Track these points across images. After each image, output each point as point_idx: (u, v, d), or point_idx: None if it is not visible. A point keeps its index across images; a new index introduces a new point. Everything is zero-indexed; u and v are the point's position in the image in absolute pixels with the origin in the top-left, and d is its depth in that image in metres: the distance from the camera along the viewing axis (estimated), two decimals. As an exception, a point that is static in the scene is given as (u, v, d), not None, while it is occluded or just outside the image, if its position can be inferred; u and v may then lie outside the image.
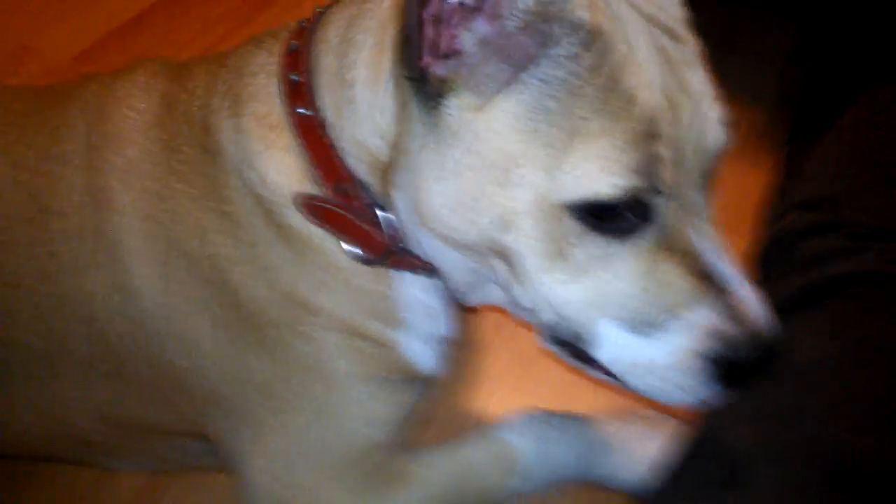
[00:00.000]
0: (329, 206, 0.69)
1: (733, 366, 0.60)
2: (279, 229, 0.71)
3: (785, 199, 1.04)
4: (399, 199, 0.67)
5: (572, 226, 0.58)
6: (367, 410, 0.75)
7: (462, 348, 1.03)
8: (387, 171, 0.67)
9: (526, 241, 0.60)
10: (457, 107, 0.59)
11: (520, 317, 0.70)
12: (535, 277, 0.61)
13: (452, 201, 0.61)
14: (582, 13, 0.56)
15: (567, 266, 0.60)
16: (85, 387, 0.77)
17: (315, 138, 0.69)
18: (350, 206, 0.69)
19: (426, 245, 0.69)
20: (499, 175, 0.59)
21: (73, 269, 0.73)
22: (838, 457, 0.65)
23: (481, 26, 0.57)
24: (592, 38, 0.56)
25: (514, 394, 0.99)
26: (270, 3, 1.60)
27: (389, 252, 0.71)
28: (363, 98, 0.66)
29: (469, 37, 0.57)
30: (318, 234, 0.71)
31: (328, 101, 0.68)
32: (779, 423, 0.69)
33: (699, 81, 0.62)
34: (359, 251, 0.71)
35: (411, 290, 0.76)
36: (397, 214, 0.69)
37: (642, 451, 0.83)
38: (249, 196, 0.71)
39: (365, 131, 0.67)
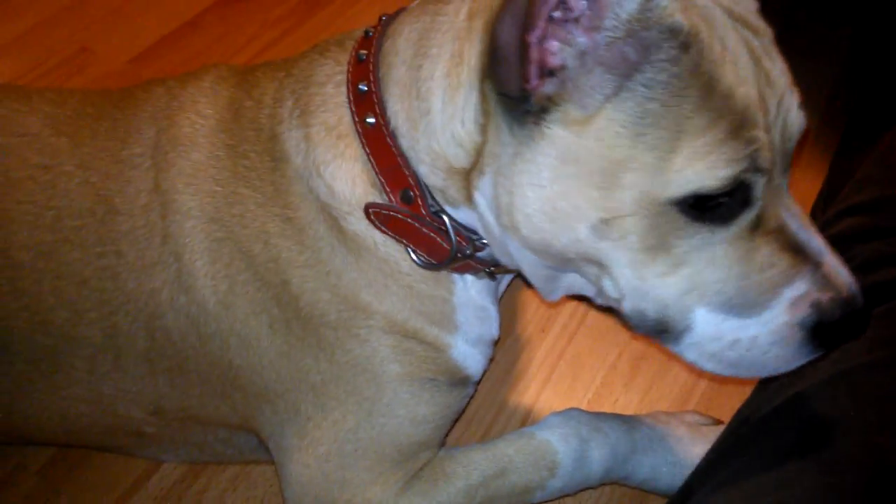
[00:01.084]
0: (396, 215, 0.70)
1: (829, 329, 0.63)
2: (343, 235, 0.73)
3: (834, 202, 1.02)
4: (483, 204, 0.68)
5: (677, 219, 0.60)
6: (414, 412, 0.77)
7: (500, 346, 1.03)
8: (467, 176, 0.68)
9: (626, 241, 0.62)
10: (558, 121, 0.60)
11: (605, 304, 0.71)
12: (630, 273, 0.64)
13: (550, 208, 0.63)
14: (678, 17, 0.57)
15: (668, 258, 0.62)
16: (144, 380, 0.80)
17: (383, 147, 0.70)
18: (416, 213, 0.71)
19: (512, 249, 0.71)
20: (602, 180, 0.60)
21: (140, 267, 0.76)
22: (878, 462, 0.64)
23: (584, 39, 0.58)
24: (690, 41, 0.57)
25: (550, 392, 0.99)
26: (324, 4, 1.61)
27: (454, 258, 0.72)
28: (439, 109, 0.67)
29: (572, 52, 0.58)
30: (381, 241, 0.73)
31: (399, 111, 0.70)
32: (817, 433, 0.69)
33: (779, 70, 0.64)
34: (424, 257, 0.73)
35: (470, 293, 0.78)
36: (480, 218, 0.71)
37: (685, 455, 0.83)
38: (315, 203, 0.73)
39: (442, 141, 0.68)
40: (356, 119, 0.71)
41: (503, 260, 0.75)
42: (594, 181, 0.60)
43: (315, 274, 0.73)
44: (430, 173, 0.70)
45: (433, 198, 0.71)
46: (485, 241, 0.74)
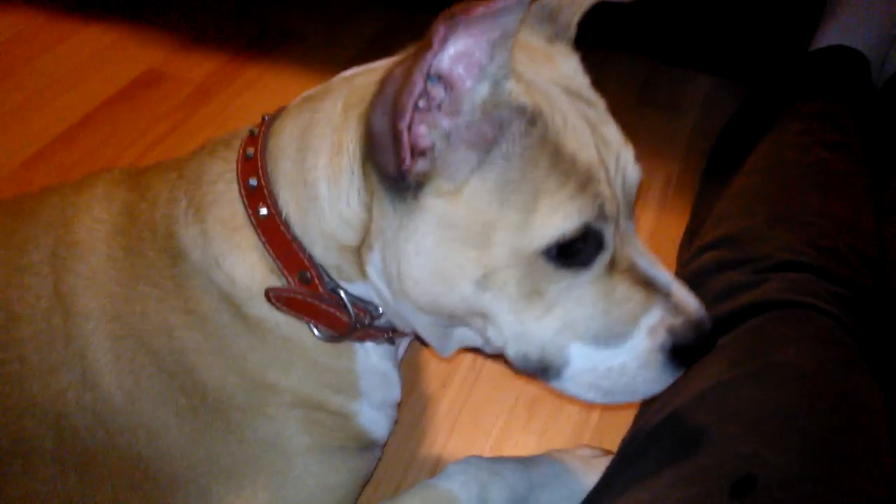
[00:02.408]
0: (295, 296, 0.75)
1: (684, 349, 0.72)
2: (246, 320, 0.76)
3: (696, 240, 1.11)
4: (375, 275, 0.74)
5: (546, 267, 0.67)
6: (325, 481, 0.80)
7: (404, 404, 1.08)
8: (358, 252, 0.74)
9: (505, 291, 0.69)
10: (433, 193, 0.67)
11: (492, 352, 0.78)
12: (512, 319, 0.70)
13: (435, 271, 0.69)
14: (523, 98, 0.65)
15: (542, 302, 0.69)
16: (52, 482, 0.80)
17: (277, 235, 0.75)
18: (314, 292, 0.76)
19: (406, 313, 0.76)
20: (478, 241, 0.67)
21: (44, 371, 0.77)
22: (741, 469, 0.71)
23: (446, 123, 0.65)
24: (535, 117, 0.65)
25: (455, 442, 1.04)
26: (209, 99, 1.67)
27: (354, 328, 0.78)
28: (326, 195, 0.72)
29: (438, 134, 0.65)
30: (283, 321, 0.77)
31: (289, 200, 0.74)
32: (687, 449, 0.75)
33: (613, 134, 0.73)
34: (326, 331, 0.78)
35: (371, 360, 0.83)
36: (374, 289, 0.76)
37: (580, 486, 0.89)
38: (216, 293, 0.76)
39: (332, 223, 0.73)
40: (249, 211, 0.75)
41: (399, 324, 0.81)
42: (471, 242, 0.67)
43: (221, 360, 0.77)
44: (324, 254, 0.75)
45: (329, 276, 0.77)
46: (381, 311, 0.79)
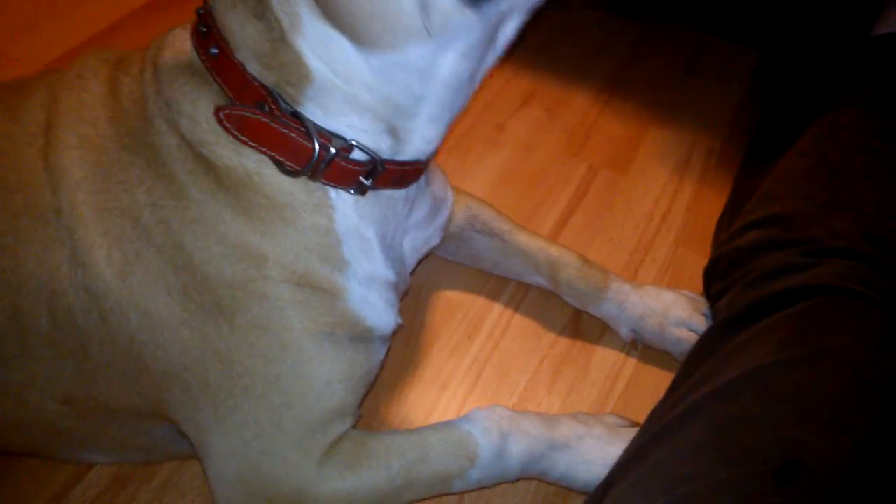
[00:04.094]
0: (249, 115, 0.70)
1: None
2: (218, 175, 0.72)
3: (739, 216, 1.08)
4: (317, 50, 0.68)
5: None
6: (322, 371, 0.77)
7: (428, 350, 1.06)
8: (285, 43, 0.68)
9: None
10: None
11: None
12: None
13: None
14: None
15: None
16: (51, 365, 0.78)
17: (230, 70, 0.70)
18: (272, 115, 0.70)
19: (375, 66, 0.68)
20: None
21: (36, 244, 0.74)
22: (787, 454, 0.69)
23: None
24: None
25: (478, 396, 1.02)
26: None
27: (319, 159, 0.71)
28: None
29: None
30: (251, 168, 0.72)
31: (231, 31, 0.70)
32: (731, 429, 0.73)
33: None
34: (290, 165, 0.72)
35: (350, 218, 0.77)
36: (330, 80, 0.69)
37: (602, 454, 0.87)
38: (188, 150, 0.73)
39: (250, 29, 0.69)
40: (202, 55, 0.72)
41: (384, 118, 0.73)
42: None
43: (203, 229, 0.73)
44: (263, 73, 0.70)
45: (285, 101, 0.71)
46: (353, 142, 0.73)
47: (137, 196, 0.73)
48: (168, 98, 0.73)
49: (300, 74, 0.69)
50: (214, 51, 0.70)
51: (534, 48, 1.62)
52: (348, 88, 0.70)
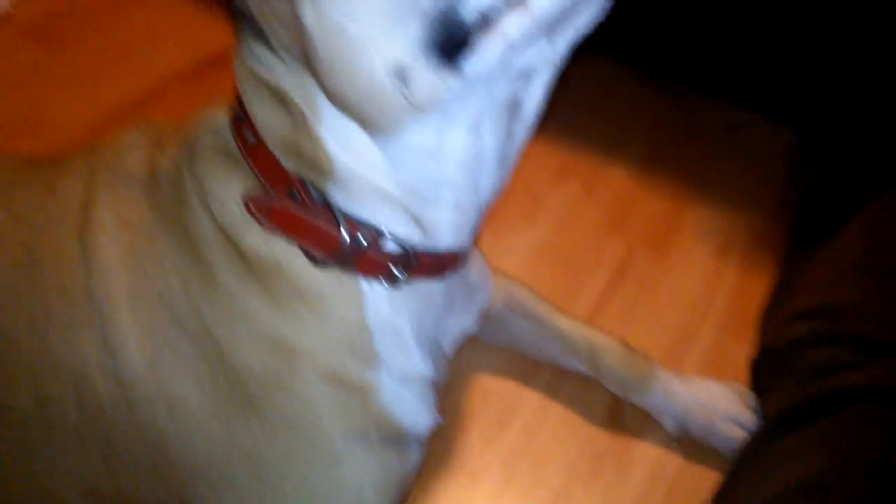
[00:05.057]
0: (277, 205, 0.68)
1: None
2: (248, 262, 0.70)
3: (786, 306, 1.05)
4: (339, 133, 0.64)
5: None
6: (354, 475, 0.73)
7: (457, 439, 1.02)
8: (305, 132, 0.66)
9: None
10: None
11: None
12: None
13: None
14: None
15: None
16: (75, 456, 0.75)
17: (259, 152, 0.69)
18: (302, 204, 0.68)
19: (388, 153, 0.65)
20: None
21: (66, 326, 0.73)
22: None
23: None
24: None
25: (512, 493, 0.98)
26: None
27: (348, 250, 0.68)
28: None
29: None
30: (279, 255, 0.69)
31: (259, 120, 0.68)
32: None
33: None
34: (319, 254, 0.69)
35: (382, 310, 0.73)
36: (351, 164, 0.66)
37: None
38: (220, 235, 0.71)
39: (272, 117, 0.67)
40: (238, 140, 0.70)
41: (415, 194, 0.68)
42: None
43: (233, 318, 0.70)
44: (291, 159, 0.68)
45: (314, 188, 0.68)
46: (383, 231, 0.69)
47: (170, 280, 0.72)
48: (202, 180, 0.72)
49: (323, 163, 0.66)
50: (248, 135, 0.69)
51: (569, 119, 1.60)
52: (370, 177, 0.66)
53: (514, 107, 0.65)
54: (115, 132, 0.84)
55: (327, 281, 0.71)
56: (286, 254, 0.70)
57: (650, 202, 1.45)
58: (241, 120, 0.70)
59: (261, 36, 0.63)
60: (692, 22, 1.57)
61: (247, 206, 0.68)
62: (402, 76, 0.57)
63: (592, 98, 1.67)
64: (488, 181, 0.69)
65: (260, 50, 0.64)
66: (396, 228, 0.70)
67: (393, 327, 0.74)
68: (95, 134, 1.47)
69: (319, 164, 0.66)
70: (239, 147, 0.70)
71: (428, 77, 0.57)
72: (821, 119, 1.61)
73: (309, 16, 0.56)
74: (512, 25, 0.54)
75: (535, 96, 0.66)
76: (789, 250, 1.27)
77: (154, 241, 0.73)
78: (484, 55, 0.55)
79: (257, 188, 0.69)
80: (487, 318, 1.06)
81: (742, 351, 1.12)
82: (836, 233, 1.15)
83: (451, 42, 0.55)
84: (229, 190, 0.70)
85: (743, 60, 1.60)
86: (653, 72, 1.71)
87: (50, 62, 1.65)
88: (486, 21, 0.54)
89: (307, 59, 0.60)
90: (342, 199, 0.68)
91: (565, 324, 1.08)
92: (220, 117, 0.75)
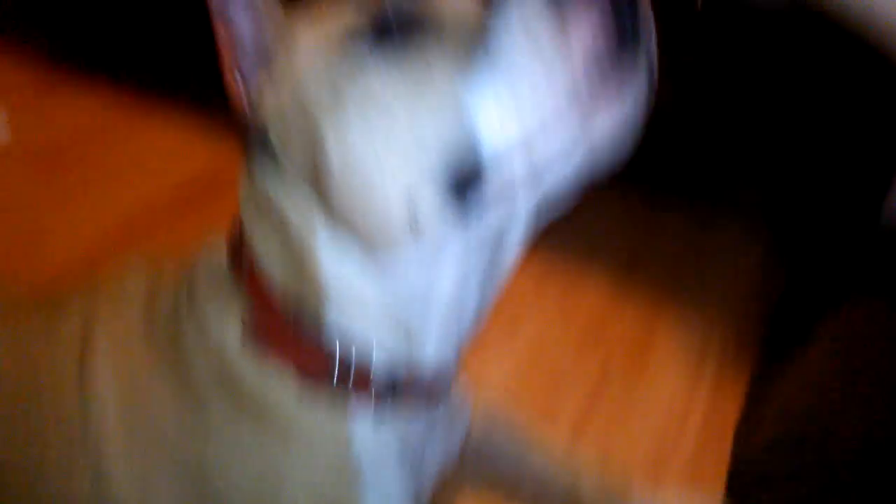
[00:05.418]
0: (272, 331, 0.71)
1: None
2: (239, 395, 0.72)
3: (757, 431, 1.08)
4: (330, 250, 0.67)
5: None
6: None
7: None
8: (300, 257, 0.69)
9: None
10: (270, 113, 0.67)
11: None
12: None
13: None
14: None
15: None
16: None
17: (254, 280, 0.71)
18: (296, 329, 0.71)
19: (382, 282, 0.68)
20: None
21: (62, 454, 0.76)
22: None
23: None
24: None
25: None
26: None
27: (339, 377, 0.71)
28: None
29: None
30: (271, 389, 0.72)
31: (257, 243, 0.72)
32: None
33: None
34: (309, 380, 0.71)
35: (367, 439, 0.75)
36: (343, 287, 0.69)
37: None
38: (214, 369, 0.73)
39: (272, 243, 0.70)
40: (233, 268, 0.74)
41: (403, 321, 0.71)
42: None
43: (223, 451, 0.73)
44: (287, 285, 0.71)
45: (308, 315, 0.71)
46: (371, 354, 0.71)
47: (163, 417, 0.75)
48: (199, 317, 0.75)
49: (318, 286, 0.69)
50: (245, 264, 0.73)
51: (545, 230, 1.65)
52: (363, 299, 0.69)
53: (500, 236, 0.69)
54: (114, 265, 0.88)
55: (317, 412, 0.73)
56: (278, 387, 0.72)
57: (626, 315, 1.49)
58: (237, 249, 0.74)
59: (266, 153, 0.67)
60: (667, 127, 1.65)
61: (244, 331, 0.71)
62: (413, 203, 0.60)
63: (570, 215, 1.73)
64: (473, 303, 0.73)
65: (264, 169, 0.68)
66: (385, 350, 0.72)
67: (379, 457, 0.77)
68: (91, 256, 1.53)
69: (314, 287, 0.69)
70: (235, 274, 0.74)
71: (437, 206, 0.60)
72: (791, 224, 1.68)
73: (331, 141, 0.60)
74: (520, 166, 0.58)
75: (519, 230, 0.71)
76: (760, 364, 1.31)
77: (150, 375, 0.76)
78: (492, 191, 0.60)
79: (253, 315, 0.72)
80: (467, 450, 1.09)
81: (720, 462, 1.14)
82: (805, 344, 1.19)
83: (464, 177, 0.59)
84: (225, 325, 0.73)
85: (717, 164, 1.68)
86: (629, 177, 1.78)
87: (47, 189, 1.73)
88: (498, 160, 0.58)
89: (316, 180, 0.64)
90: (335, 322, 0.71)
91: (545, 450, 1.10)
92: (217, 252, 0.79)
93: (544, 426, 1.13)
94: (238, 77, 0.67)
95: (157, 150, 1.88)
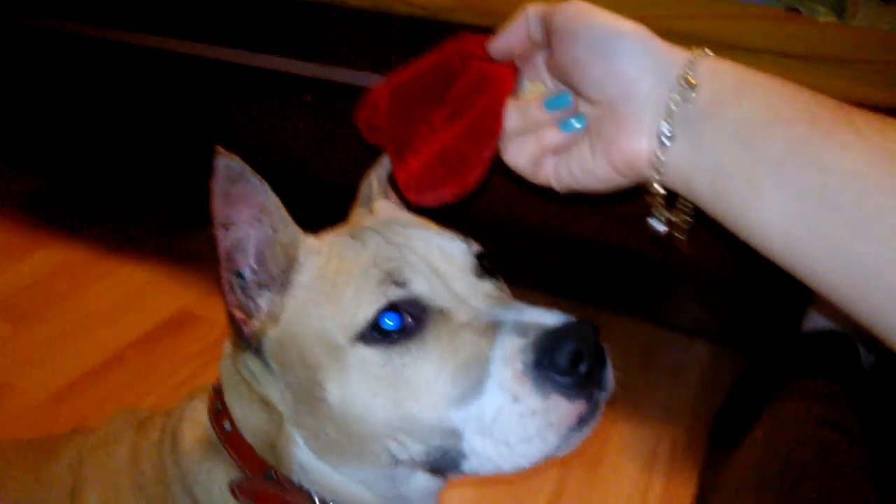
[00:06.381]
0: (259, 488, 0.77)
1: (555, 360, 0.62)
2: None
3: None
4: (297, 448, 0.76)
5: (370, 353, 0.67)
6: None
7: None
8: (277, 435, 0.76)
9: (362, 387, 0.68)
10: (270, 339, 0.73)
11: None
12: (391, 411, 0.68)
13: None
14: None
15: (405, 386, 0.67)
16: None
17: (237, 441, 0.78)
18: (278, 485, 0.77)
19: (328, 475, 0.76)
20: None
21: None
22: None
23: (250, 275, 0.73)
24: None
25: None
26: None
27: None
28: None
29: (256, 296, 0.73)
30: None
31: (236, 415, 0.79)
32: None
33: (422, 234, 0.75)
34: None
35: None
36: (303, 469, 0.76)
37: None
38: None
39: (252, 422, 0.78)
40: (217, 429, 0.80)
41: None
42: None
43: None
44: (264, 450, 0.78)
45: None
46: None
47: None
48: (185, 468, 0.81)
49: (291, 459, 0.77)
50: (227, 426, 0.80)
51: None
52: (333, 490, 0.77)
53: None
54: (104, 420, 0.94)
55: None
56: None
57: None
58: (220, 411, 0.81)
59: (257, 355, 0.75)
60: (604, 256, 1.76)
61: (232, 491, 0.78)
62: (396, 444, 0.70)
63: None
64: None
65: (253, 364, 0.77)
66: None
67: None
68: (56, 403, 1.56)
69: (288, 458, 0.77)
70: (219, 436, 0.80)
71: (416, 455, 0.70)
72: (730, 332, 1.79)
73: (333, 391, 0.69)
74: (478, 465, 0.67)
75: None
76: (707, 459, 1.38)
77: None
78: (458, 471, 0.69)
79: (237, 473, 0.79)
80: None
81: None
82: (746, 436, 1.27)
83: (443, 463, 0.69)
84: (212, 476, 0.80)
85: (658, 284, 1.79)
86: (576, 297, 1.88)
87: (13, 335, 1.78)
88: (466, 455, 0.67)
89: (307, 398, 0.73)
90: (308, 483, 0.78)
91: None
92: (199, 408, 0.86)
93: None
94: (233, 283, 0.73)
95: (120, 295, 1.94)
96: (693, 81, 0.58)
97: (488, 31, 0.72)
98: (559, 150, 0.68)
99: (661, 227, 0.68)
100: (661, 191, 0.64)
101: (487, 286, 0.73)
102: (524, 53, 0.71)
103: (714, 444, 1.40)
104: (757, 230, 0.56)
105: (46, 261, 2.06)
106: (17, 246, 2.13)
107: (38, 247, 2.12)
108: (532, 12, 0.68)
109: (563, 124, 0.68)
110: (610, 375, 0.67)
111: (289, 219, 0.73)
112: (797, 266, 0.54)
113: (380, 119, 0.72)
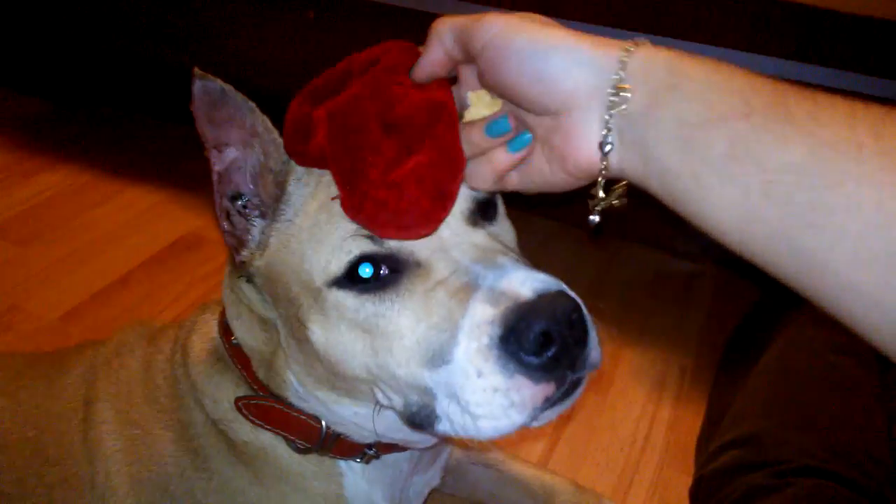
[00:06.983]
0: (265, 403, 0.78)
1: (522, 338, 0.59)
2: (237, 449, 0.80)
3: (715, 438, 1.15)
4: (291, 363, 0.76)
5: (344, 297, 0.66)
6: None
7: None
8: (273, 359, 0.77)
9: (341, 335, 0.68)
10: (259, 271, 0.73)
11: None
12: (369, 360, 0.67)
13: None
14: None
15: (381, 335, 0.66)
16: None
17: (245, 356, 0.80)
18: (284, 402, 0.78)
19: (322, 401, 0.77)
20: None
21: None
22: None
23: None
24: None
25: None
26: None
27: (327, 438, 0.79)
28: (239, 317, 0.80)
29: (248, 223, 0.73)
30: (266, 443, 0.80)
31: (237, 333, 0.80)
32: None
33: None
34: (301, 443, 0.79)
35: (360, 484, 0.83)
36: (296, 384, 0.77)
37: None
38: (211, 427, 0.80)
39: (249, 339, 0.79)
40: (225, 343, 0.81)
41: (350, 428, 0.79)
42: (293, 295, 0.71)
43: (224, 498, 0.80)
44: (259, 370, 0.79)
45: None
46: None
47: (167, 467, 0.81)
48: (195, 380, 0.82)
49: (287, 378, 0.78)
50: (235, 340, 0.80)
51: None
52: (329, 410, 0.78)
53: None
54: (116, 333, 0.94)
55: (309, 462, 0.82)
56: (272, 442, 0.81)
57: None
58: (228, 327, 0.81)
59: (250, 279, 0.75)
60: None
61: (237, 406, 0.79)
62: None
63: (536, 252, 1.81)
64: None
65: (249, 291, 0.77)
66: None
67: (368, 498, 0.85)
68: (65, 323, 1.56)
69: (286, 382, 0.78)
70: (226, 349, 0.81)
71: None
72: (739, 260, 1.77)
73: (316, 332, 0.69)
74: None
75: None
76: (716, 383, 1.38)
77: (151, 433, 0.83)
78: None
79: (245, 388, 0.80)
80: (449, 470, 1.15)
81: (683, 481, 1.21)
82: (756, 360, 1.27)
83: (419, 418, 0.67)
84: (220, 389, 0.81)
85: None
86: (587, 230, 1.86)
87: (19, 258, 1.77)
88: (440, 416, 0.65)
89: (295, 338, 0.73)
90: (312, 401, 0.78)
91: (519, 469, 1.16)
92: (210, 321, 0.87)
93: (517, 454, 1.19)
94: (227, 207, 0.72)
95: (124, 218, 1.93)
96: (626, 86, 0.56)
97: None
98: (516, 164, 0.66)
99: (597, 219, 0.66)
100: (602, 194, 0.63)
101: (478, 236, 0.69)
102: (450, 72, 0.68)
103: (724, 370, 1.40)
104: (712, 224, 0.55)
105: (53, 183, 2.05)
106: (24, 168, 2.11)
107: (45, 169, 2.10)
108: (444, 30, 0.64)
109: (511, 146, 0.65)
110: (592, 353, 0.63)
111: (280, 142, 0.70)
112: (755, 257, 0.54)
113: (320, 144, 0.68)
